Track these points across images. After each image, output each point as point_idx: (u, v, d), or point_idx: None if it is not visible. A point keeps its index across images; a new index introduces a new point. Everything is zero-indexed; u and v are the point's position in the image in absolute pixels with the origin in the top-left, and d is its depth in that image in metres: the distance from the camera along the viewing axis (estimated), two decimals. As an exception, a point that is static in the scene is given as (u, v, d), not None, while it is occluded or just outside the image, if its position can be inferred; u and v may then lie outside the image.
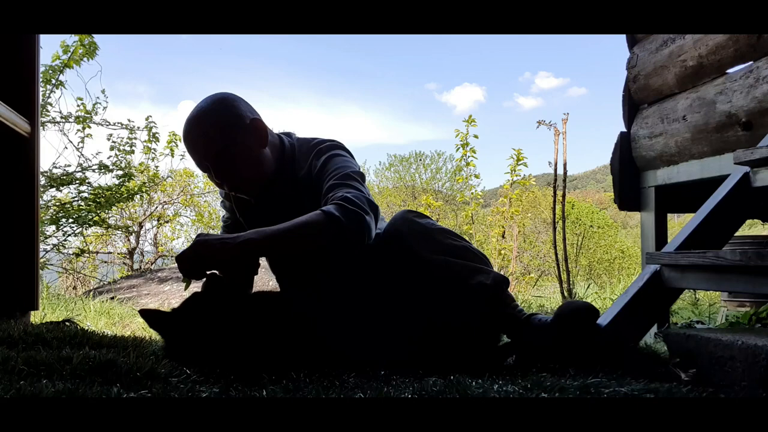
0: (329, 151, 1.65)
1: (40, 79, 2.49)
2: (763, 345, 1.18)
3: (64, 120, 5.64)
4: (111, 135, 6.12)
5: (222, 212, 1.89)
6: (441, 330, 1.57)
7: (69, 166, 5.68)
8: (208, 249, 1.38)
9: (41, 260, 5.29)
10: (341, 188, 1.50)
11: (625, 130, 2.99)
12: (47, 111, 5.40)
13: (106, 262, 7.08)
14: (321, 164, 1.62)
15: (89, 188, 5.63)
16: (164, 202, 7.32)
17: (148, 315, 1.48)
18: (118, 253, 7.11)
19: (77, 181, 5.58)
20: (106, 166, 5.77)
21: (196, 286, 1.51)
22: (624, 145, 2.95)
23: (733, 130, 2.30)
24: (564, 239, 4.88)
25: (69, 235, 5.77)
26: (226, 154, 1.57)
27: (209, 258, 1.39)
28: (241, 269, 1.45)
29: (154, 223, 7.39)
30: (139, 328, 2.99)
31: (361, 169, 1.64)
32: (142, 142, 6.50)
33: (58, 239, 5.73)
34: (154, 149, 6.64)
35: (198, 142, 1.58)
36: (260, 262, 1.93)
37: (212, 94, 1.65)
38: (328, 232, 1.41)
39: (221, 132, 1.56)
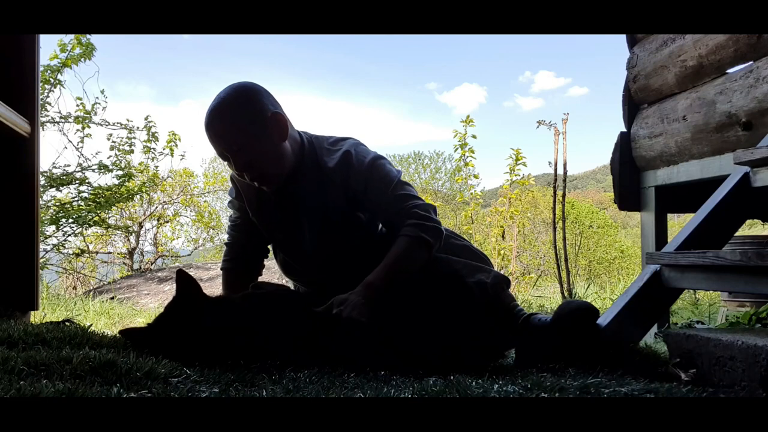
0: (366, 155, 1.69)
1: (40, 79, 2.49)
2: (763, 345, 1.18)
3: (63, 120, 5.64)
4: (111, 135, 6.13)
5: (230, 212, 1.89)
6: (441, 329, 1.57)
7: (69, 166, 5.68)
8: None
9: (41, 260, 5.29)
10: (406, 200, 1.64)
11: (625, 130, 2.99)
12: (46, 111, 5.40)
13: (106, 262, 7.08)
14: (366, 169, 1.65)
15: (89, 188, 5.63)
16: (164, 202, 7.31)
17: (129, 335, 1.52)
18: (118, 253, 7.10)
19: (77, 181, 5.58)
20: (105, 166, 5.77)
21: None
22: (624, 145, 2.95)
23: (733, 130, 2.30)
24: (564, 239, 4.87)
25: (69, 235, 5.77)
26: (246, 149, 1.58)
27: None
28: None
29: (154, 223, 7.38)
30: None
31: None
32: (142, 142, 6.50)
33: (58, 239, 5.72)
34: (154, 149, 6.64)
35: (219, 135, 1.59)
36: (264, 263, 1.94)
37: (234, 83, 1.64)
38: (426, 254, 1.59)
39: (242, 127, 1.58)
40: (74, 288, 6.32)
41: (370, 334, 1.47)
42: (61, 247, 5.83)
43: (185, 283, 1.52)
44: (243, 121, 1.58)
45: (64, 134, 5.71)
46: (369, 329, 1.46)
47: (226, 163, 1.66)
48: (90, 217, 5.54)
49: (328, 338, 1.46)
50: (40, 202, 4.08)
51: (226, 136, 1.59)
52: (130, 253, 7.00)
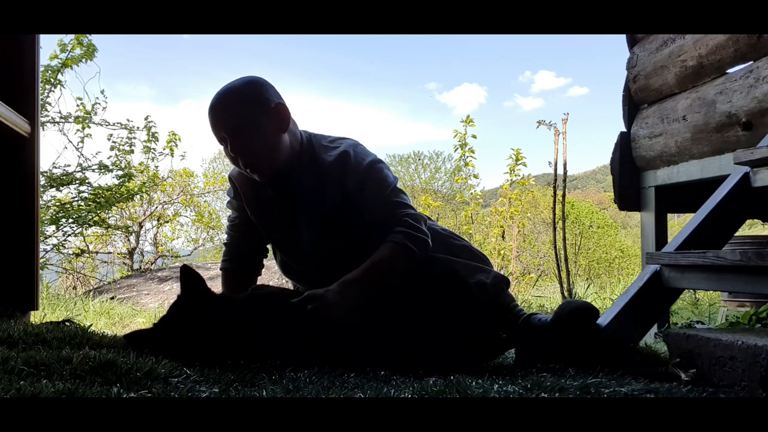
0: (364, 156, 1.69)
1: (40, 79, 2.49)
2: (763, 345, 1.18)
3: (63, 120, 5.64)
4: (111, 135, 6.13)
5: (229, 212, 1.89)
6: (440, 329, 1.57)
7: (69, 166, 5.67)
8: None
9: (41, 260, 5.29)
10: (399, 208, 1.64)
11: (625, 130, 2.99)
12: (46, 111, 5.39)
13: (106, 262, 7.07)
14: (364, 170, 1.65)
15: (89, 188, 5.62)
16: (164, 202, 7.31)
17: (134, 339, 1.51)
18: (118, 253, 7.10)
19: (77, 181, 5.57)
20: (105, 166, 5.76)
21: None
22: (624, 145, 2.95)
23: (733, 130, 2.30)
24: (564, 239, 4.87)
25: (69, 235, 5.77)
26: (244, 130, 1.60)
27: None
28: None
29: (154, 223, 7.38)
30: (138, 328, 2.98)
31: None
32: (142, 142, 6.50)
33: (58, 239, 5.72)
34: (154, 149, 6.64)
35: (219, 114, 1.61)
36: (264, 263, 1.93)
37: (243, 76, 1.68)
38: (409, 263, 1.57)
39: (243, 108, 1.60)
40: (74, 288, 6.31)
41: (348, 331, 1.47)
42: (61, 247, 5.83)
43: (190, 279, 1.51)
44: (246, 104, 1.61)
45: (64, 134, 5.71)
46: (345, 326, 1.46)
47: (222, 150, 1.66)
48: (90, 217, 5.54)
49: (310, 335, 1.47)
50: (40, 202, 4.08)
51: (225, 114, 1.60)
52: (130, 253, 7.00)
